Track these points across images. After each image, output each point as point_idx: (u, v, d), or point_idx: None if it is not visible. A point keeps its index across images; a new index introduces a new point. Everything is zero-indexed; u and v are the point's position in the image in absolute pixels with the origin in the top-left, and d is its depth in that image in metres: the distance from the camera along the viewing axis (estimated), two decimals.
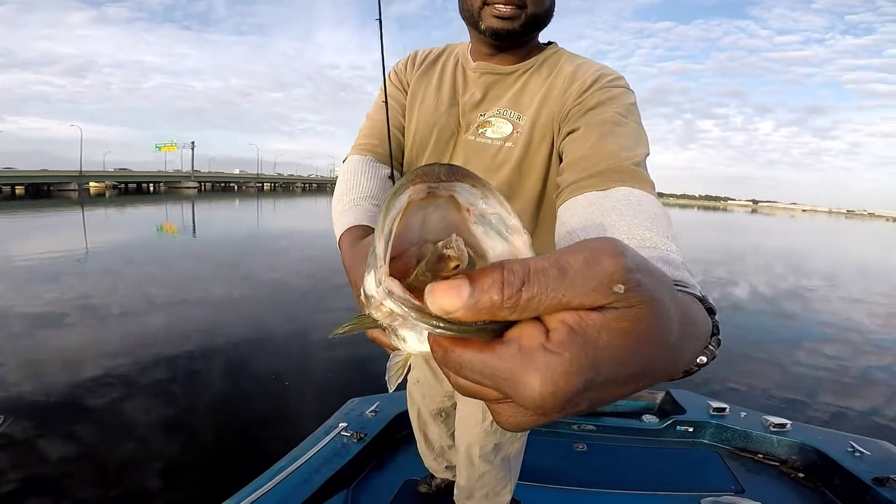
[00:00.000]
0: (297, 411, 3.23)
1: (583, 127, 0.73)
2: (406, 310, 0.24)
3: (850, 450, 1.63)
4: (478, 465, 1.15)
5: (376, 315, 0.27)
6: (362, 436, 1.60)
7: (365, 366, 3.84)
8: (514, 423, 0.25)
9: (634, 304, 0.22)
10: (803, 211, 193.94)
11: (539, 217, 0.88)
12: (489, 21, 0.79)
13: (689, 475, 1.68)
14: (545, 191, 0.85)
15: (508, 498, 1.22)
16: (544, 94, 0.82)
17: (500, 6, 0.78)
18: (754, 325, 6.18)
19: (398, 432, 1.54)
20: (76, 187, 44.85)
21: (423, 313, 0.23)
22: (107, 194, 43.10)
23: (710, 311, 0.37)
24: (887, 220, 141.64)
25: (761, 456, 1.78)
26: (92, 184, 49.39)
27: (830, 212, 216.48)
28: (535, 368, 0.21)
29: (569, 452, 1.73)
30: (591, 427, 1.91)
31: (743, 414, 1.94)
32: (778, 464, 1.74)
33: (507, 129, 0.83)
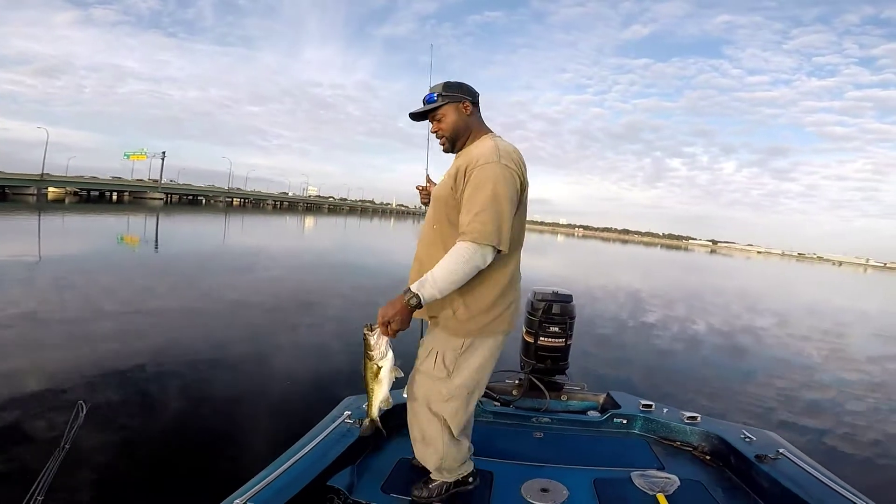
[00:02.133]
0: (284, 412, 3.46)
1: (466, 193, 1.38)
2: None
3: (741, 436, 2.05)
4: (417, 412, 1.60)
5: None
6: (362, 422, 1.94)
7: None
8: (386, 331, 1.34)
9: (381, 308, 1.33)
10: (758, 252, 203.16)
11: (446, 229, 1.49)
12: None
13: (622, 456, 2.06)
14: (443, 217, 1.49)
15: (440, 444, 1.57)
16: (455, 167, 1.48)
17: (439, 144, 1.61)
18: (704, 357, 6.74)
19: (391, 420, 1.85)
20: (35, 192, 43.22)
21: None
22: (66, 200, 41.64)
23: (409, 290, 1.32)
24: (833, 263, 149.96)
25: (679, 443, 2.21)
26: (51, 189, 47.66)
27: (783, 254, 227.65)
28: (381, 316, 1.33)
29: (529, 439, 2.14)
30: (546, 420, 2.33)
31: (665, 410, 2.37)
32: (691, 448, 2.17)
33: (440, 182, 1.57)
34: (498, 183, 1.34)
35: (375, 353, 1.33)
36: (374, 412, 1.44)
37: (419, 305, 1.31)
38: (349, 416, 1.99)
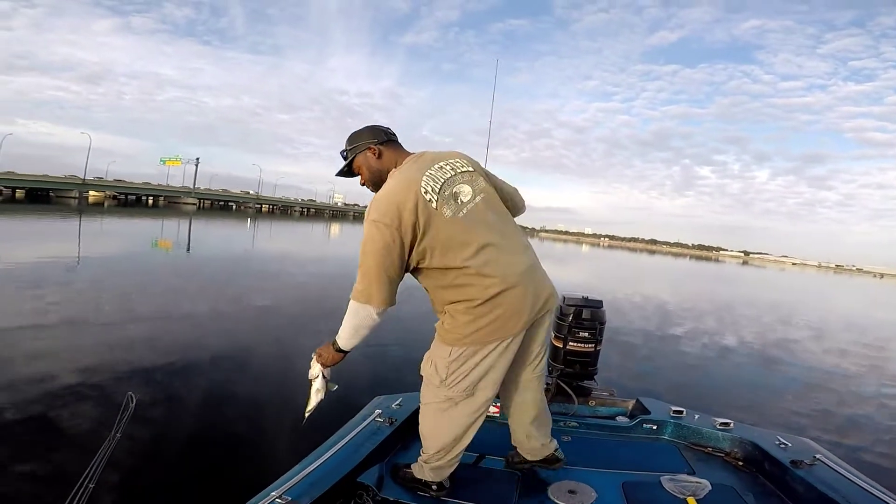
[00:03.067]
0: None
1: None
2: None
3: (776, 443, 2.00)
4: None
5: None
6: (393, 420, 2.01)
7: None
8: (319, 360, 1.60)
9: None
10: (793, 264, 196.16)
11: None
12: None
13: (652, 461, 2.03)
14: None
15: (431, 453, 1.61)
16: None
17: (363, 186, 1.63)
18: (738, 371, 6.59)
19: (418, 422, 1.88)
20: (77, 195, 45.14)
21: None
22: (105, 204, 43.35)
23: (335, 343, 1.54)
24: (874, 276, 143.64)
25: (710, 449, 2.17)
26: (91, 192, 49.70)
27: (820, 266, 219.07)
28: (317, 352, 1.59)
29: (558, 442, 2.10)
30: (574, 424, 2.32)
31: (696, 416, 2.33)
32: (722, 454, 2.12)
33: None
34: (366, 243, 1.42)
35: (309, 373, 1.61)
36: (306, 415, 1.63)
37: (341, 350, 1.55)
38: (379, 415, 2.03)
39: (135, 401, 1.43)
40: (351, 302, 1.45)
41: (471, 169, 1.58)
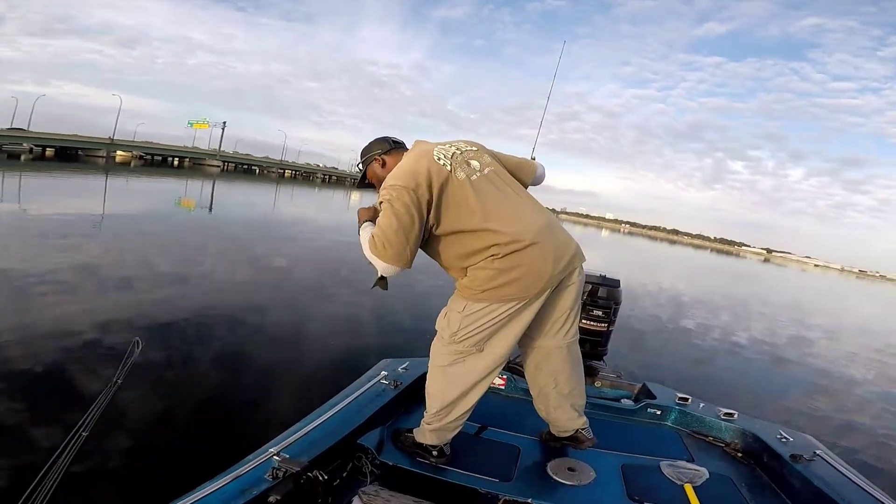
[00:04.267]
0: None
1: None
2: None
3: (778, 437, 1.97)
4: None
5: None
6: (398, 384, 2.00)
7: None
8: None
9: None
10: (815, 266, 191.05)
11: None
12: None
13: (653, 446, 2.01)
14: None
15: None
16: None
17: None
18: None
19: (424, 386, 1.82)
20: (104, 154, 45.90)
21: None
22: (132, 164, 44.07)
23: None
24: None
25: (712, 438, 2.14)
26: (118, 152, 50.42)
27: (843, 269, 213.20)
28: None
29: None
30: None
31: (702, 405, 2.29)
32: (723, 444, 2.10)
33: None
34: (386, 207, 1.47)
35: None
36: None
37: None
38: (385, 377, 2.02)
39: (140, 346, 1.43)
40: (367, 245, 1.46)
41: (475, 148, 1.66)
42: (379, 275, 1.49)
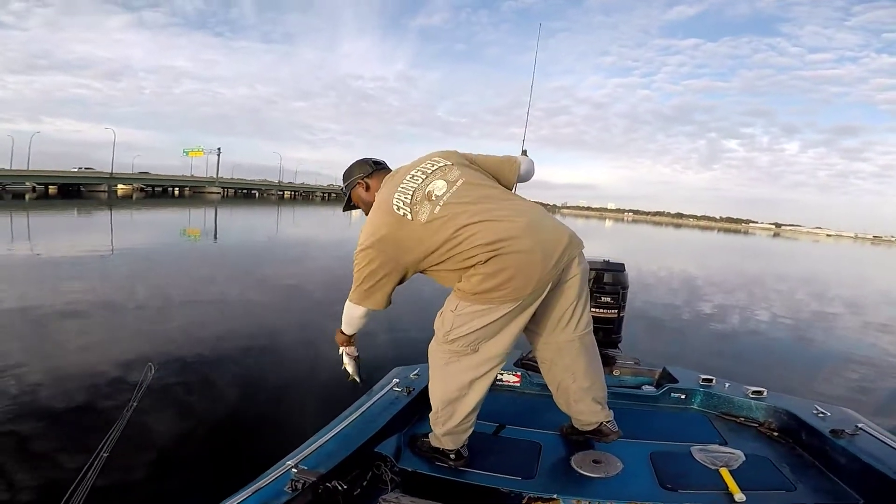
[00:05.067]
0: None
1: None
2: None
3: (814, 412, 1.89)
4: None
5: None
6: (411, 390, 1.99)
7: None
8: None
9: None
10: (828, 235, 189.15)
11: None
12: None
13: (681, 431, 1.94)
14: None
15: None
16: None
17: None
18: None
19: None
20: (106, 188, 46.55)
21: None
22: (133, 196, 44.58)
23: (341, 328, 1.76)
24: None
25: (742, 419, 2.05)
26: (119, 186, 51.09)
27: (856, 237, 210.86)
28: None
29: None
30: None
31: (727, 384, 2.20)
32: (756, 425, 2.01)
33: None
34: (356, 266, 1.58)
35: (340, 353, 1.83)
36: (355, 379, 1.86)
37: (346, 333, 1.76)
38: (397, 385, 2.01)
39: (154, 370, 1.44)
40: (347, 300, 1.63)
41: (445, 163, 1.59)
42: (349, 373, 1.79)
